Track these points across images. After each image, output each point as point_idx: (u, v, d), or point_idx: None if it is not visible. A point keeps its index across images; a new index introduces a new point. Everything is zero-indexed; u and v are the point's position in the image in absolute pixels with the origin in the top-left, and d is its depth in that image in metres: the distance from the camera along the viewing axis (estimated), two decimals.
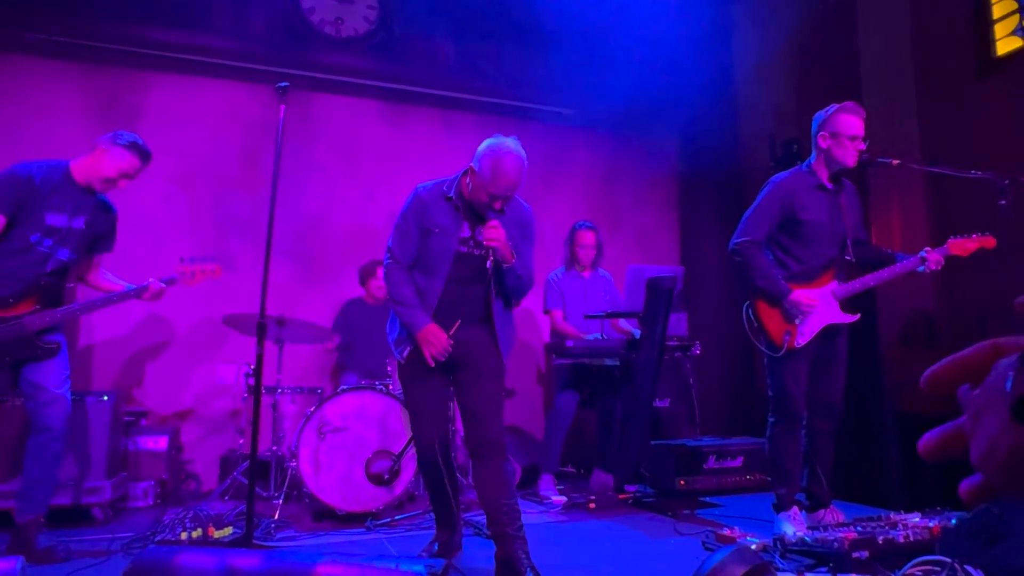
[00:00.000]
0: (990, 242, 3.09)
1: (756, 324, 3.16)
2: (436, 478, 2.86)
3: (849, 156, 3.05)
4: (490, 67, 5.26)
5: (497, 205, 2.64)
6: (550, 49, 5.14)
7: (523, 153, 2.65)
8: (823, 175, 3.16)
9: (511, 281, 2.75)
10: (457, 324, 2.68)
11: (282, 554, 2.08)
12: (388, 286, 2.81)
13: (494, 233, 2.56)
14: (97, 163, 3.08)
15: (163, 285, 3.17)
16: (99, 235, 3.25)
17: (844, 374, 3.23)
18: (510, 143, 2.64)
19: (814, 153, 3.19)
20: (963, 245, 3.09)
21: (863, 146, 3.06)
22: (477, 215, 2.72)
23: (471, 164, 2.69)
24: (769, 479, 3.41)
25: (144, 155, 3.18)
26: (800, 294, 3.06)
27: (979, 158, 3.64)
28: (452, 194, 2.74)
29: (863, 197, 4.40)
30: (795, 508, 3.15)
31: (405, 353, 2.79)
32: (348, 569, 1.85)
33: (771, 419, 3.22)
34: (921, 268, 3.09)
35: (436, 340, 2.64)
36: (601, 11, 5.14)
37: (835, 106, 3.09)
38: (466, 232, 2.74)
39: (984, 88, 4.06)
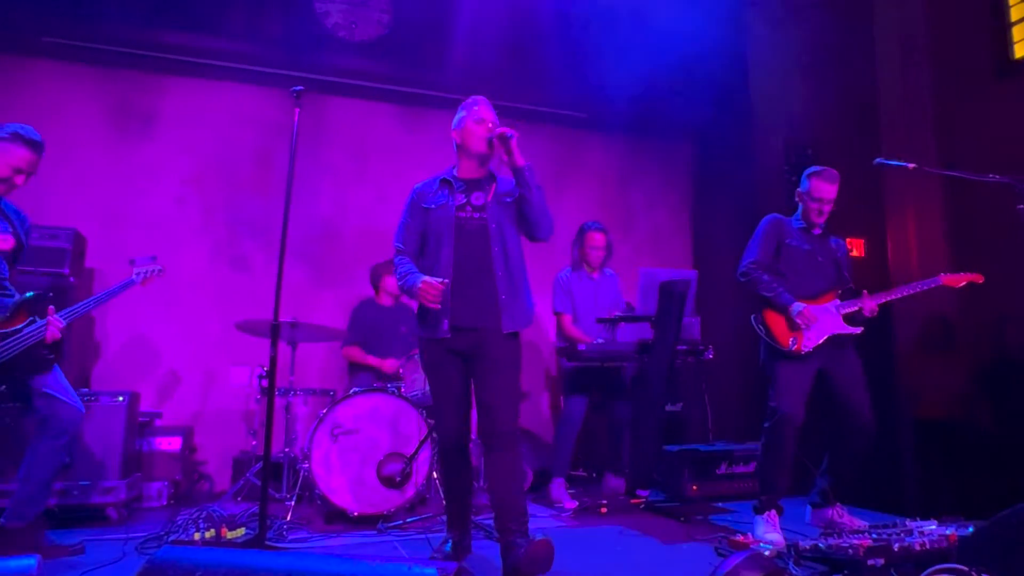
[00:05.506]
0: (978, 279, 3.36)
1: (764, 329, 3.37)
2: (453, 469, 2.91)
3: (811, 214, 3.48)
4: (502, 70, 5.26)
5: (495, 130, 2.81)
6: (563, 52, 5.13)
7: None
8: (807, 222, 3.53)
9: (533, 196, 2.79)
10: (448, 282, 2.72)
11: (294, 555, 2.09)
12: (396, 277, 2.89)
13: (506, 130, 2.74)
14: None
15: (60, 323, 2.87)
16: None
17: (864, 388, 3.31)
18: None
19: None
20: (955, 280, 3.36)
21: (827, 208, 3.46)
22: (471, 184, 2.89)
23: (453, 143, 2.98)
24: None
25: (34, 144, 2.87)
26: (803, 306, 3.26)
27: (996, 162, 3.60)
28: (447, 176, 2.94)
29: (879, 200, 4.38)
30: (772, 512, 3.26)
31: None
32: (359, 570, 1.85)
33: (766, 424, 3.31)
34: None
35: (428, 287, 2.68)
36: (614, 15, 5.13)
37: (814, 168, 3.49)
38: (461, 199, 2.86)
39: (1001, 91, 4.02)
